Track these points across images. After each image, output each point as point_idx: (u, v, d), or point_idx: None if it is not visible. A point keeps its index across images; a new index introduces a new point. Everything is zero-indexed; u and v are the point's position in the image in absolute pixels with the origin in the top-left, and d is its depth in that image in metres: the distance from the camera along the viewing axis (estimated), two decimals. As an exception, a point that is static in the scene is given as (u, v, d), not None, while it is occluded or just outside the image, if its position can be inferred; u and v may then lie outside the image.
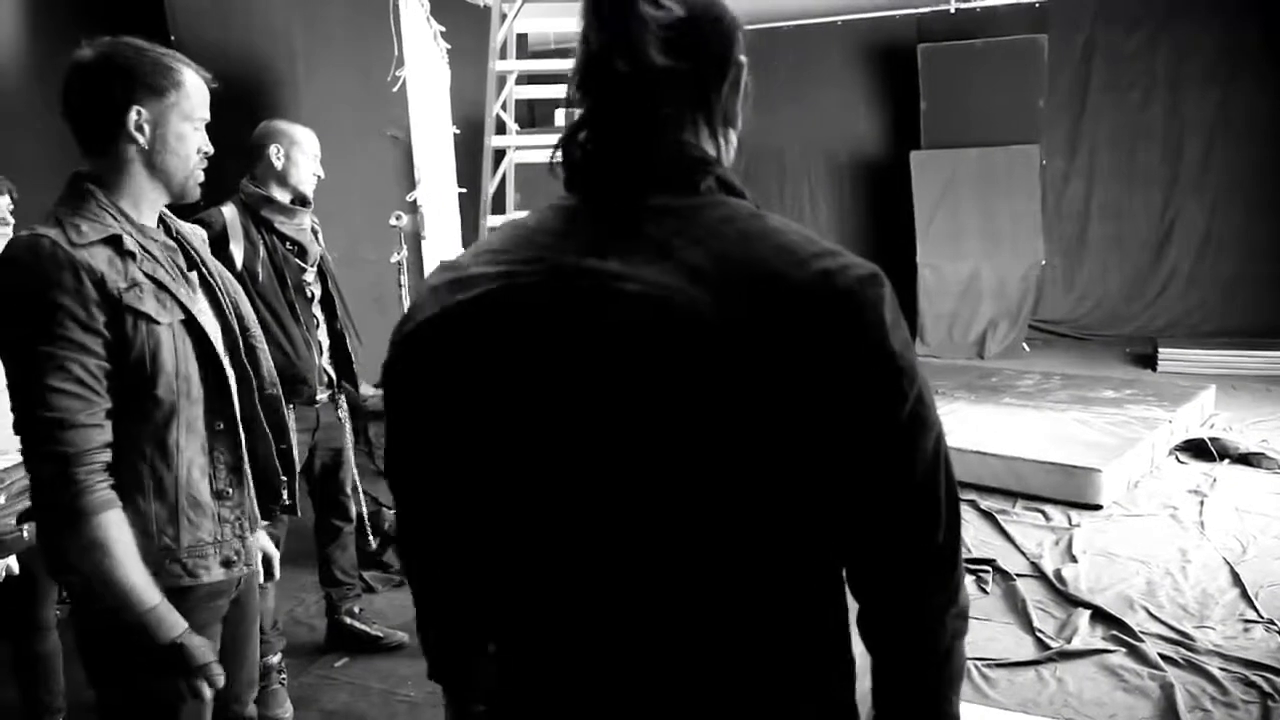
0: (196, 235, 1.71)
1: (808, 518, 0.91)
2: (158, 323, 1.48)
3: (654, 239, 0.89)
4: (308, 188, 2.91)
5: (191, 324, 1.54)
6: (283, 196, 2.85)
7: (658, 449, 0.87)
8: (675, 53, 0.91)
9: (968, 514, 4.24)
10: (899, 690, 0.98)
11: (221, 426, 1.59)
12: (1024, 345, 7.76)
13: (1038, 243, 7.73)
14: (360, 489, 3.53)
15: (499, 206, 3.26)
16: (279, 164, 2.83)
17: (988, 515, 4.22)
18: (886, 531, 0.92)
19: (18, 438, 1.41)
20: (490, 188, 3.11)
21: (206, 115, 1.58)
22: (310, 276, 2.89)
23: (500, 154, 3.21)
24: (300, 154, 2.86)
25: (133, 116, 1.49)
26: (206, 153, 1.59)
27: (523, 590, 0.99)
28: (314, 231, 2.94)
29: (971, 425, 5.06)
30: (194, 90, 1.55)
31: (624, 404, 0.88)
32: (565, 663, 0.97)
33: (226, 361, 1.61)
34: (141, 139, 1.50)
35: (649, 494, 0.89)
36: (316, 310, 2.91)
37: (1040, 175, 7.73)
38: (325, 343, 2.94)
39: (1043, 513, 4.22)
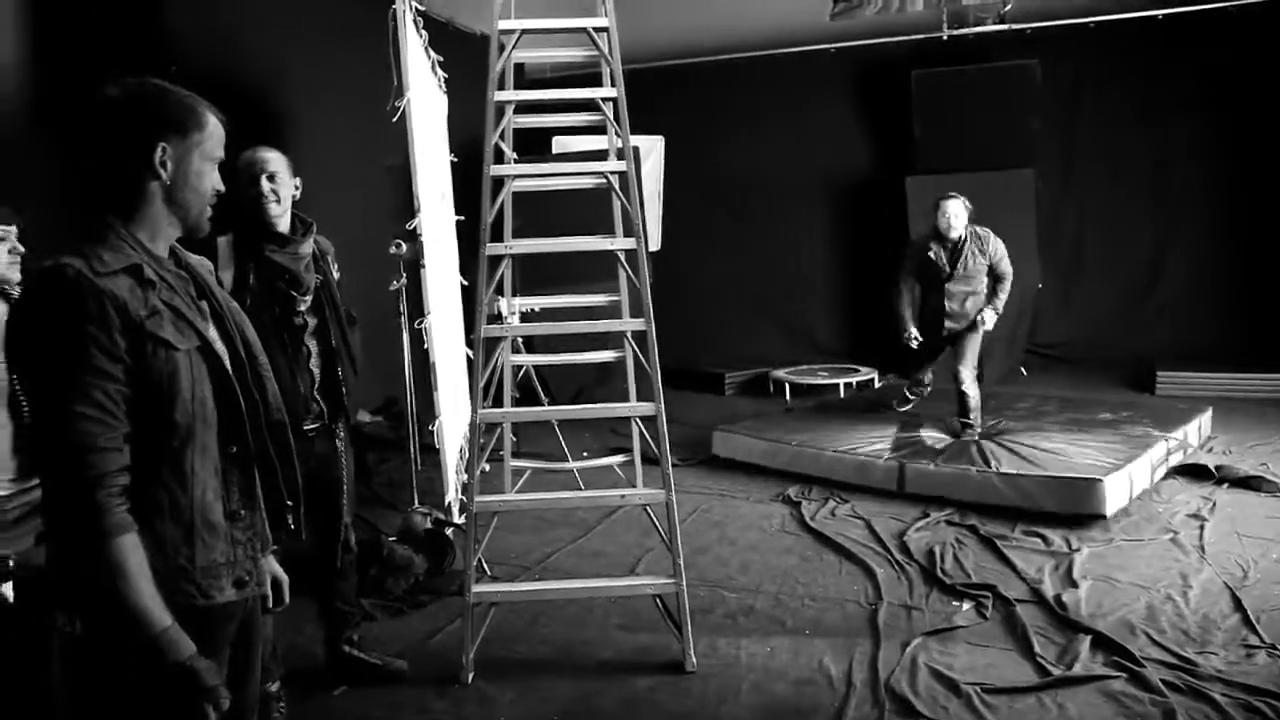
0: (204, 266, 1.76)
1: None
2: (176, 349, 1.53)
3: None
4: (265, 211, 2.80)
5: (207, 350, 1.59)
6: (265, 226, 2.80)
7: None
8: None
9: (967, 539, 4.25)
10: None
11: (235, 450, 1.64)
12: (1021, 369, 7.78)
13: (1033, 266, 7.78)
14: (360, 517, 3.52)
15: (497, 234, 3.29)
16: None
17: (987, 541, 4.21)
18: None
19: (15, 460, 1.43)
20: (489, 216, 3.13)
21: (222, 155, 1.66)
22: (303, 306, 2.85)
23: (499, 182, 3.23)
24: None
25: (158, 153, 1.56)
26: (219, 190, 1.67)
27: None
28: (317, 259, 2.91)
29: (970, 446, 5.08)
30: (214, 132, 1.63)
31: None
32: None
33: (238, 387, 1.64)
34: (164, 174, 1.57)
35: None
36: (310, 341, 2.87)
37: (1035, 199, 7.78)
38: (318, 374, 2.89)
39: (1042, 537, 4.21)
